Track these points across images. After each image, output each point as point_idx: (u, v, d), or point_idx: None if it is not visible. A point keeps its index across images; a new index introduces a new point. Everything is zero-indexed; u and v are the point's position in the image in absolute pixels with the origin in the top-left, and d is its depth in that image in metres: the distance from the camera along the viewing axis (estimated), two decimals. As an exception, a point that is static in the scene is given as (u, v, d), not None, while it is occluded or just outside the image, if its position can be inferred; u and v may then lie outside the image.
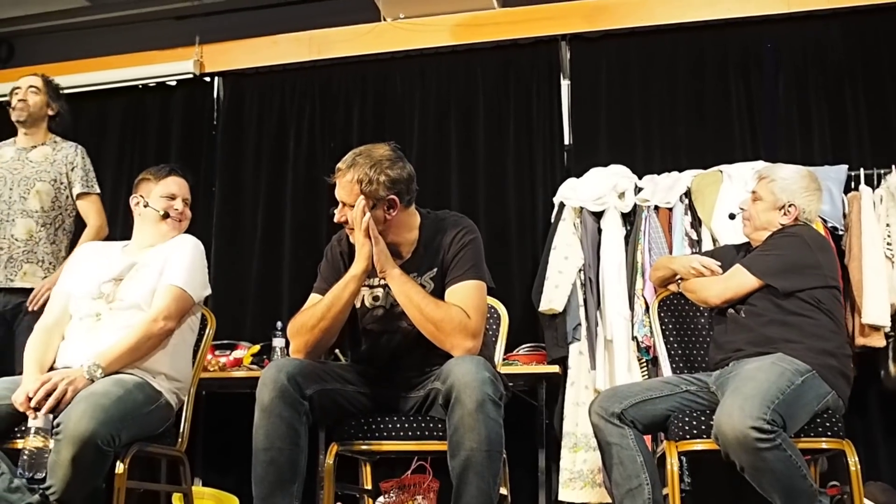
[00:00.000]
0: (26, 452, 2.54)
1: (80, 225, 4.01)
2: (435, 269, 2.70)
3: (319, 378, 2.59)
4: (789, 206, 3.06)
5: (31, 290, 3.75)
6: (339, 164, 2.68)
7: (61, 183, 3.91)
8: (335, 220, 2.70)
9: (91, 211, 3.97)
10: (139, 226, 3.15)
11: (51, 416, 2.59)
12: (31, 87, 3.99)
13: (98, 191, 4.02)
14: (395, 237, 2.71)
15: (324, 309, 2.63)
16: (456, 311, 2.54)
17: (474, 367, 2.39)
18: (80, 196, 3.95)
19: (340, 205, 2.68)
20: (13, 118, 3.98)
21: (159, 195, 3.11)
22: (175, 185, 3.15)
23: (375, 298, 2.75)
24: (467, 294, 2.60)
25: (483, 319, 2.63)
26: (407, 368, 2.75)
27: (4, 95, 5.52)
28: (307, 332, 2.64)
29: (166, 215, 3.09)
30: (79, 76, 5.54)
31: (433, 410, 2.63)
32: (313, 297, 2.76)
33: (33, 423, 2.58)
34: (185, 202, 3.15)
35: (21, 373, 3.06)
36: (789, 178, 3.11)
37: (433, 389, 2.58)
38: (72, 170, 3.94)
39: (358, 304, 2.75)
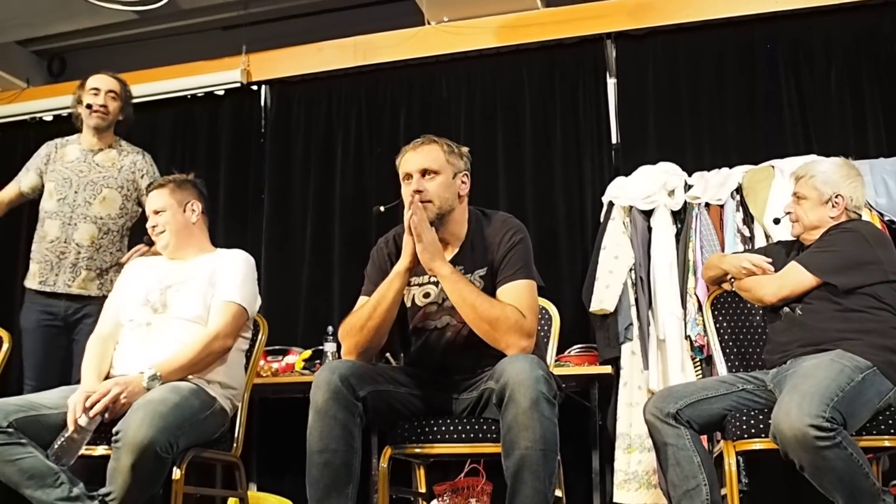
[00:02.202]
0: (62, 438, 2.59)
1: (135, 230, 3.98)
2: (485, 269, 2.71)
3: (372, 380, 2.59)
4: (835, 196, 3.02)
5: (88, 297, 3.70)
6: (413, 142, 2.74)
7: (128, 190, 3.84)
8: (412, 190, 2.66)
9: None
10: None
11: (98, 419, 2.63)
12: (110, 92, 3.84)
13: None
14: (446, 231, 2.74)
15: (370, 308, 2.63)
16: (511, 310, 2.54)
17: (528, 366, 2.38)
18: None
19: (417, 175, 2.68)
20: (90, 123, 3.82)
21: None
22: (147, 204, 3.19)
23: (426, 295, 2.76)
24: (520, 294, 2.61)
25: (536, 319, 2.66)
26: (459, 369, 2.75)
27: (54, 109, 5.67)
28: (356, 332, 2.64)
29: (150, 239, 3.17)
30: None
31: (487, 411, 2.62)
32: (362, 300, 2.77)
33: (81, 419, 2.62)
34: (155, 214, 3.14)
35: (79, 380, 3.12)
36: (828, 170, 3.07)
37: (487, 389, 2.57)
38: (142, 177, 3.87)
39: (408, 303, 2.77)
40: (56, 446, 2.59)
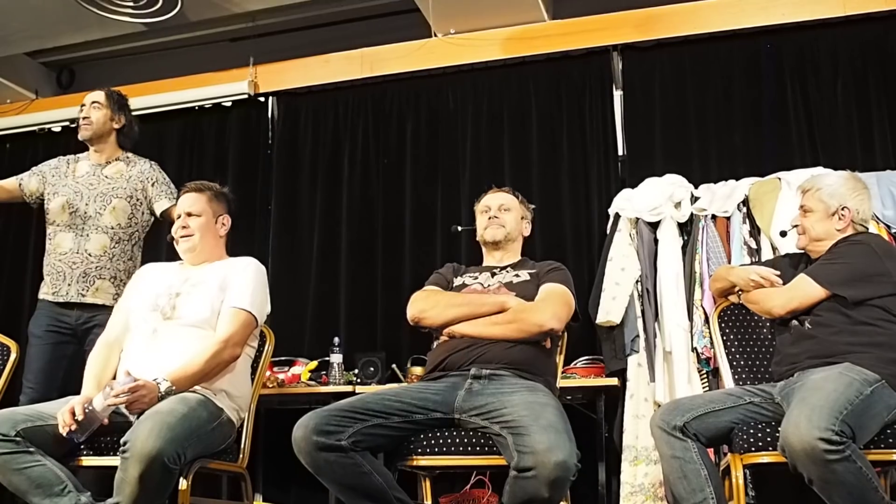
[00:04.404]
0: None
1: (148, 239, 4.01)
2: (534, 271, 3.12)
3: (353, 420, 2.58)
4: (842, 209, 3.01)
5: (102, 306, 3.70)
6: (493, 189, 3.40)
7: (137, 199, 3.85)
8: (485, 224, 3.26)
9: None
10: None
11: (111, 409, 2.64)
12: (93, 102, 3.92)
13: None
14: (509, 248, 3.25)
15: (457, 309, 2.97)
16: (512, 304, 2.92)
17: (563, 456, 2.36)
18: (170, 208, 3.88)
19: (495, 207, 3.28)
20: (80, 137, 3.92)
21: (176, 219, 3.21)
22: (182, 203, 3.21)
23: (475, 278, 3.14)
24: (552, 289, 2.98)
25: (561, 308, 2.94)
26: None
27: (63, 120, 5.74)
28: (430, 309, 3.00)
29: (173, 239, 3.16)
30: (137, 99, 5.59)
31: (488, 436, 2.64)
32: (433, 289, 3.14)
33: (97, 400, 2.65)
34: (188, 216, 3.16)
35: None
36: (834, 183, 3.07)
37: (496, 435, 2.58)
38: (152, 185, 3.89)
39: (458, 283, 3.15)
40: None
